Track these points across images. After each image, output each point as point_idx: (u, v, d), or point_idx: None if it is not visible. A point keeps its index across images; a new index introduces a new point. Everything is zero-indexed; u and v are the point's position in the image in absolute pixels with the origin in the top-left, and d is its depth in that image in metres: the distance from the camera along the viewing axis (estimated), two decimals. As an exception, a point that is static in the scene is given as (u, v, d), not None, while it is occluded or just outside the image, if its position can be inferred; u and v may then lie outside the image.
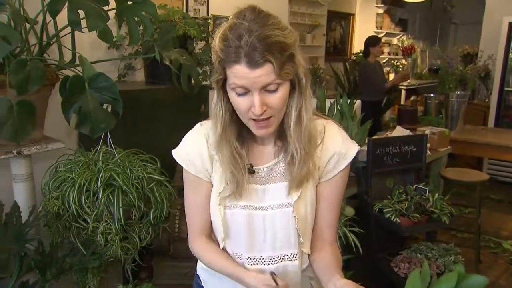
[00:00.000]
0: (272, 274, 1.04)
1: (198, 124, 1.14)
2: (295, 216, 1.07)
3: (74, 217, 1.96)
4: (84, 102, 1.75)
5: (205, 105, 2.80)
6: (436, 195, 2.40)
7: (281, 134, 1.06)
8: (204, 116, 2.53)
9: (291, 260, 1.11)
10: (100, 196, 1.93)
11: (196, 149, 1.09)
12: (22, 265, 1.72)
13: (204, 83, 2.61)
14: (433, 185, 2.68)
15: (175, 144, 1.14)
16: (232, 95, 0.97)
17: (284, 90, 0.96)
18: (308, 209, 1.09)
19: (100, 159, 2.02)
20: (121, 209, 1.94)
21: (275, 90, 0.95)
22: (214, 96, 1.03)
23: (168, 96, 2.59)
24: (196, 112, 2.72)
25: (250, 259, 1.10)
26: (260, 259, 1.10)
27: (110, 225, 1.95)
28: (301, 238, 1.09)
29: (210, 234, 1.16)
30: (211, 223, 1.14)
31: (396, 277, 2.24)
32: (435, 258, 2.34)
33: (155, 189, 2.07)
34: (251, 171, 1.07)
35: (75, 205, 1.92)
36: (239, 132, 1.05)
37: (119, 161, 2.04)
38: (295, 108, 1.01)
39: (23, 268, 1.73)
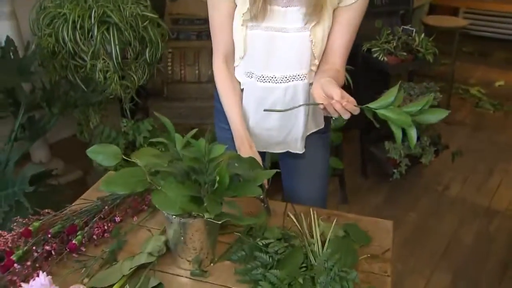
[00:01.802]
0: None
1: None
2: (311, 40, 1.10)
3: (71, 55, 1.93)
4: None
5: None
6: (423, 35, 2.46)
7: None
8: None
9: (301, 79, 1.16)
10: (96, 33, 1.89)
11: None
12: (28, 99, 1.74)
13: None
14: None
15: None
16: None
17: None
18: (326, 33, 1.12)
19: (90, -6, 1.93)
20: (117, 46, 1.92)
21: None
22: None
23: None
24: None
25: (263, 77, 1.16)
26: (272, 77, 1.16)
27: (108, 63, 1.95)
28: (316, 61, 1.15)
29: (231, 56, 1.19)
30: (233, 44, 1.16)
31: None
32: (416, 95, 2.48)
33: (149, 28, 2.04)
34: None
35: (70, 42, 1.88)
36: None
37: (109, -3, 1.97)
38: None
39: (30, 102, 1.75)
